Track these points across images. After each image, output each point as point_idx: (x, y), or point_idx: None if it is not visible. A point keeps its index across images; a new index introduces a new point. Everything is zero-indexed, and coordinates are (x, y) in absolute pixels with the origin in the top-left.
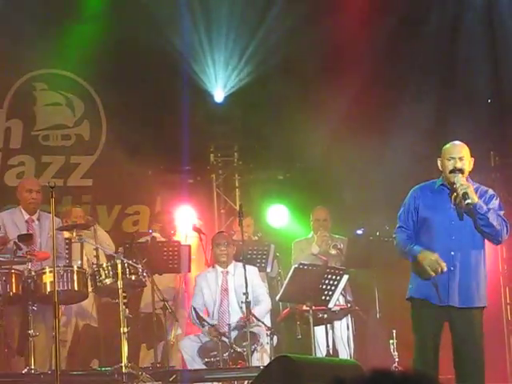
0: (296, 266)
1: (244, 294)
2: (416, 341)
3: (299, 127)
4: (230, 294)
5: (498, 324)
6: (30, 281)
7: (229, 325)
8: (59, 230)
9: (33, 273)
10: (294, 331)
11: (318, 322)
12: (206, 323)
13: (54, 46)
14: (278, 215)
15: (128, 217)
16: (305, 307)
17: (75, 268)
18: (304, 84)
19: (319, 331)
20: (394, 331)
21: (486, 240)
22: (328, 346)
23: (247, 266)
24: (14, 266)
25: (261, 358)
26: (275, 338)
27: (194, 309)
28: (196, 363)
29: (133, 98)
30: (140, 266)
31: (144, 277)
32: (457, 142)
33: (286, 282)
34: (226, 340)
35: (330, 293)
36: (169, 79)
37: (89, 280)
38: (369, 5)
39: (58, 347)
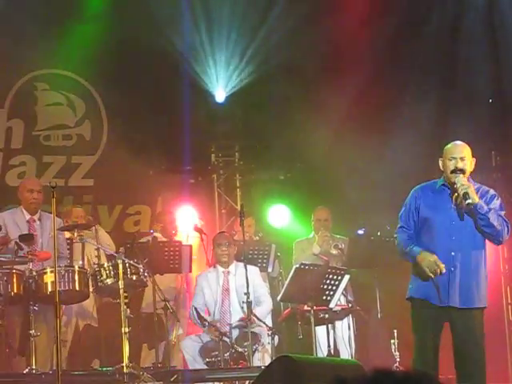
0: (297, 266)
1: (245, 294)
2: (416, 341)
3: (300, 127)
4: (231, 294)
5: (499, 324)
6: (31, 281)
7: (230, 325)
8: (60, 230)
9: (34, 273)
10: (296, 331)
11: (319, 322)
12: (206, 322)
13: (56, 46)
14: (279, 215)
15: (129, 217)
16: (306, 307)
17: (76, 268)
18: (305, 84)
19: (320, 331)
20: (396, 331)
21: (486, 240)
22: (329, 345)
23: (248, 266)
24: (15, 266)
25: (262, 358)
26: (276, 337)
27: (195, 308)
28: (197, 363)
29: (134, 98)
30: (141, 265)
31: (145, 277)
32: (458, 142)
33: (287, 282)
34: (227, 340)
35: (331, 293)
36: (170, 79)
37: (90, 280)
38: (370, 5)
39: (59, 347)
